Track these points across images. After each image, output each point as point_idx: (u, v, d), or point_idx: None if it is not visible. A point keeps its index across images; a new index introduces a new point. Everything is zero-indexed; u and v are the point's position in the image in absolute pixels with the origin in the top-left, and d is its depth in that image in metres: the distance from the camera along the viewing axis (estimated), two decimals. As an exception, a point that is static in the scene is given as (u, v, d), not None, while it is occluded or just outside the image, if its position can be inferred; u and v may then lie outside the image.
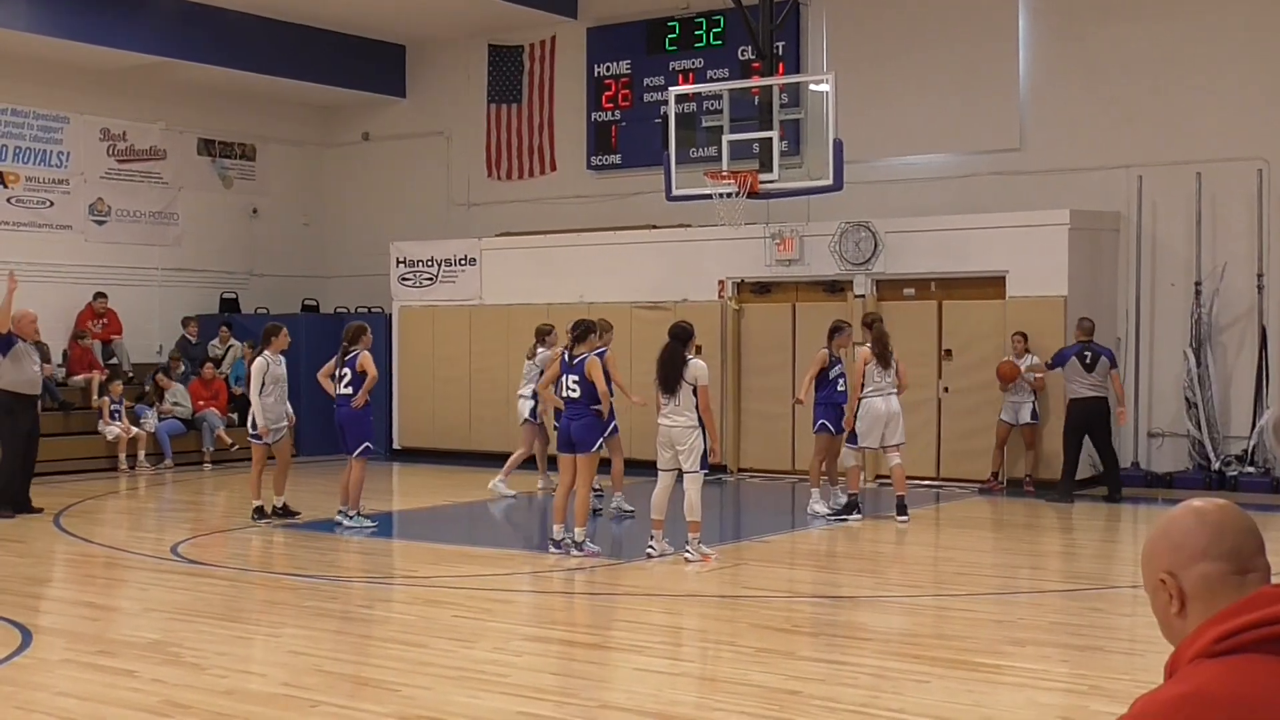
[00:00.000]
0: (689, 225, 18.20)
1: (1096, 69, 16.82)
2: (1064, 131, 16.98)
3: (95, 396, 18.97)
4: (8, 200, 19.59)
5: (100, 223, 20.69)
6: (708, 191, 16.49)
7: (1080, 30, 17.01)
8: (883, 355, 13.44)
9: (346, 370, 13.17)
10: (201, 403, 19.52)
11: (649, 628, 8.96)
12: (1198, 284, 15.93)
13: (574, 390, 11.36)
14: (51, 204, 20.11)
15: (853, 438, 13.55)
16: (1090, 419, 14.79)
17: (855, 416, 13.42)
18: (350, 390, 13.09)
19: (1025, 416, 15.54)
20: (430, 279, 20.22)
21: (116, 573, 11.46)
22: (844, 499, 13.58)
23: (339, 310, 22.03)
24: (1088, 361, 14.79)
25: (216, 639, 8.53)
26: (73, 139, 20.32)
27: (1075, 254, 15.81)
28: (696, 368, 10.97)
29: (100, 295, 20.03)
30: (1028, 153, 17.22)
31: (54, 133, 20.15)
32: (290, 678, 7.52)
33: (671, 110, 16.96)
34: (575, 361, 11.39)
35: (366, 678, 7.56)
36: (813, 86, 16.65)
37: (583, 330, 11.49)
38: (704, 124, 17.54)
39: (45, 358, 18.93)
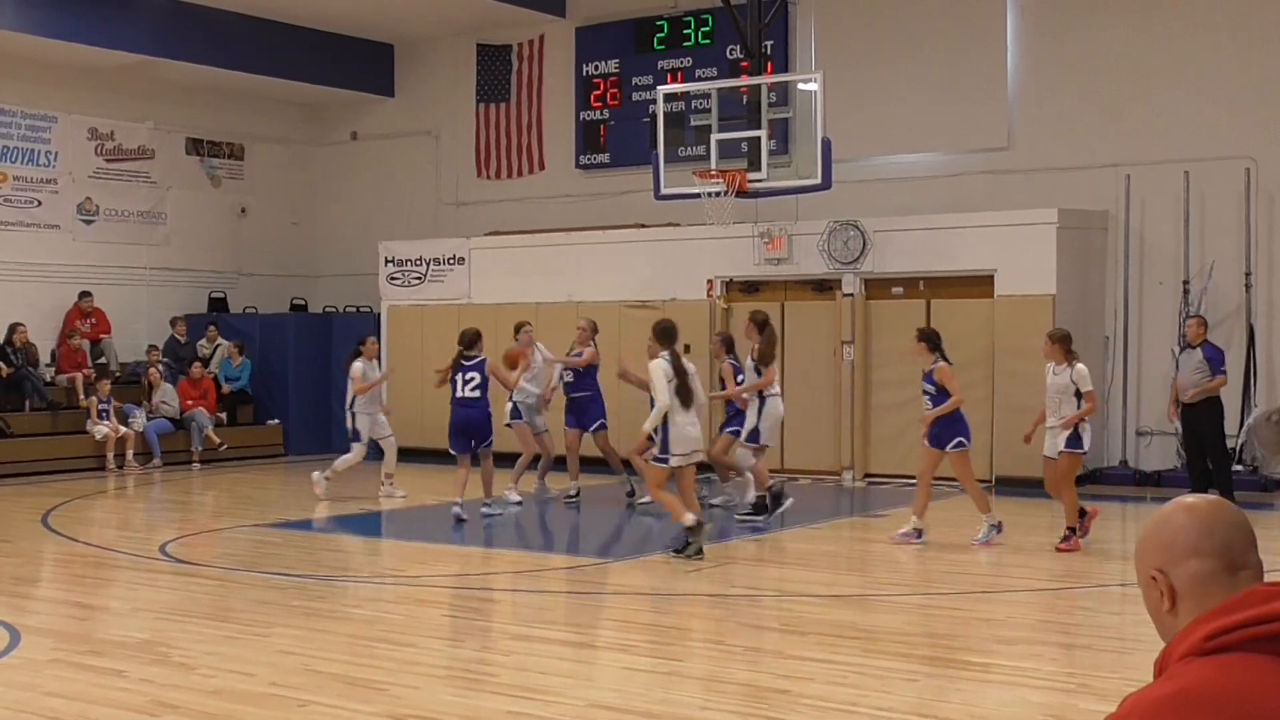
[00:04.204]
0: (678, 224, 18.19)
1: (1085, 67, 16.85)
2: (1052, 130, 16.99)
3: (83, 396, 18.91)
4: (-4, 199, 19.54)
5: (88, 222, 20.62)
6: (696, 190, 16.48)
7: (1068, 29, 17.03)
8: (771, 355, 13.33)
9: (474, 374, 13.61)
10: (190, 402, 19.46)
11: (637, 627, 8.94)
12: (1186, 282, 15.96)
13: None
14: (40, 203, 20.04)
15: (753, 436, 13.19)
16: None
17: (759, 415, 13.16)
18: (477, 394, 13.57)
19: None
20: (419, 278, 20.19)
21: (105, 572, 11.42)
22: (753, 498, 13.28)
23: (327, 310, 22.01)
24: None
25: (205, 638, 8.49)
26: (61, 138, 20.25)
27: (1063, 253, 15.82)
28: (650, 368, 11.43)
29: (86, 294, 19.96)
30: (1016, 151, 17.24)
31: (42, 132, 20.08)
32: (279, 677, 7.49)
33: (660, 109, 16.94)
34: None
35: (355, 677, 7.53)
36: (801, 85, 16.65)
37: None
38: (692, 123, 17.54)
39: (33, 359, 18.91)
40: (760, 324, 13.46)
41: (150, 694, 7.12)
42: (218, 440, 19.15)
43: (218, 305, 21.81)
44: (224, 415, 19.72)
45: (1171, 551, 2.44)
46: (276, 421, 20.61)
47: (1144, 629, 2.62)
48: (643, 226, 18.71)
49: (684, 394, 11.05)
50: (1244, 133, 15.80)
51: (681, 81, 18.79)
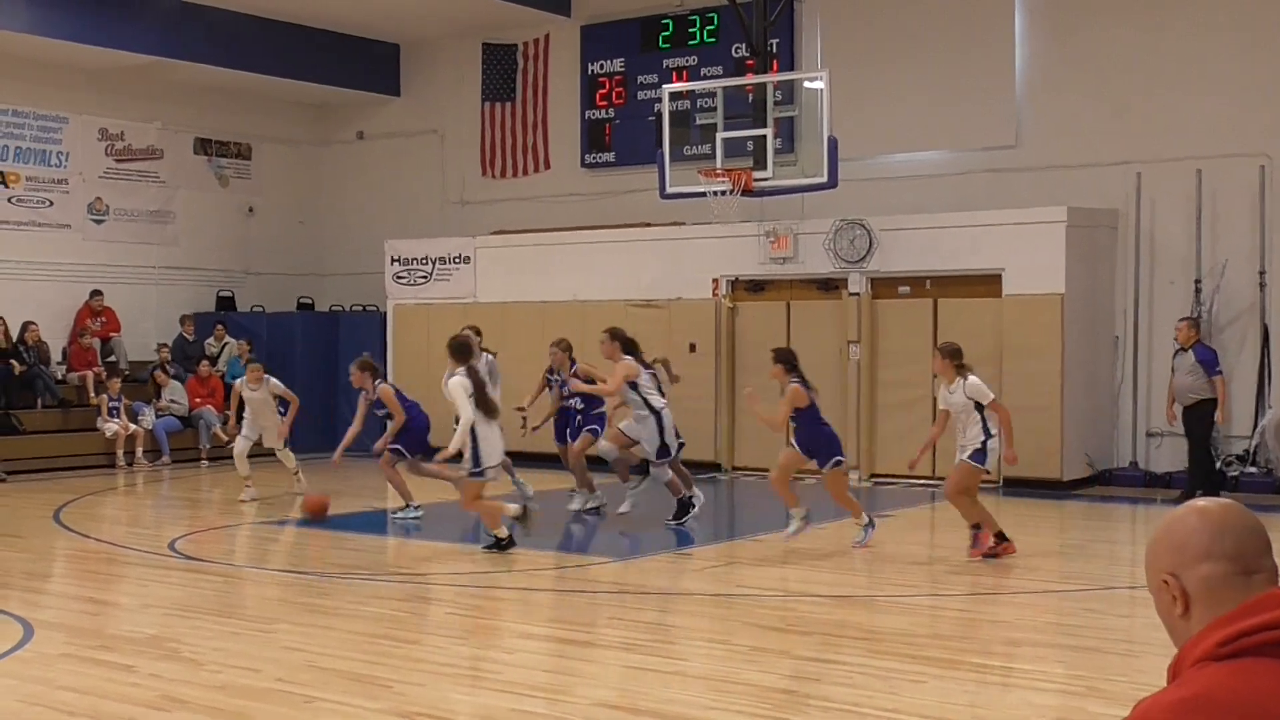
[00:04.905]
0: (683, 223, 18.16)
1: (1094, 64, 16.77)
2: (1061, 128, 16.93)
3: (93, 394, 18.93)
4: (8, 200, 19.61)
5: (99, 221, 20.65)
6: (702, 189, 16.45)
7: (1077, 25, 16.97)
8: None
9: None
10: (198, 400, 19.49)
11: (643, 626, 8.93)
12: (1198, 282, 15.87)
13: None
14: (51, 203, 20.08)
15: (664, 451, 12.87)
16: None
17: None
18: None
19: None
20: (425, 277, 20.18)
21: (115, 568, 11.43)
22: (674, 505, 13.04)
23: (334, 308, 22.01)
24: None
25: (213, 634, 8.50)
26: (72, 139, 20.29)
27: (1073, 251, 15.76)
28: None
29: (96, 293, 20.03)
30: (1024, 149, 17.17)
31: (53, 133, 20.11)
32: (285, 673, 7.49)
33: (665, 108, 16.93)
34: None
35: (360, 674, 7.52)
36: (807, 84, 16.63)
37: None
38: (698, 121, 17.51)
39: (44, 357, 18.94)
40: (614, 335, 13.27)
41: (159, 689, 7.13)
42: (225, 438, 19.14)
43: (226, 304, 21.84)
44: (231, 413, 19.69)
45: (1184, 555, 2.41)
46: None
47: (1153, 632, 2.59)
48: (648, 225, 18.69)
49: (486, 406, 11.16)
50: (1257, 130, 15.68)
51: (687, 80, 18.76)
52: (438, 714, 6.68)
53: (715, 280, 17.87)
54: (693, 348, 17.85)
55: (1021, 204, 16.31)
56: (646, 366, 13.12)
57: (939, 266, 16.44)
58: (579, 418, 13.96)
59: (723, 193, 15.98)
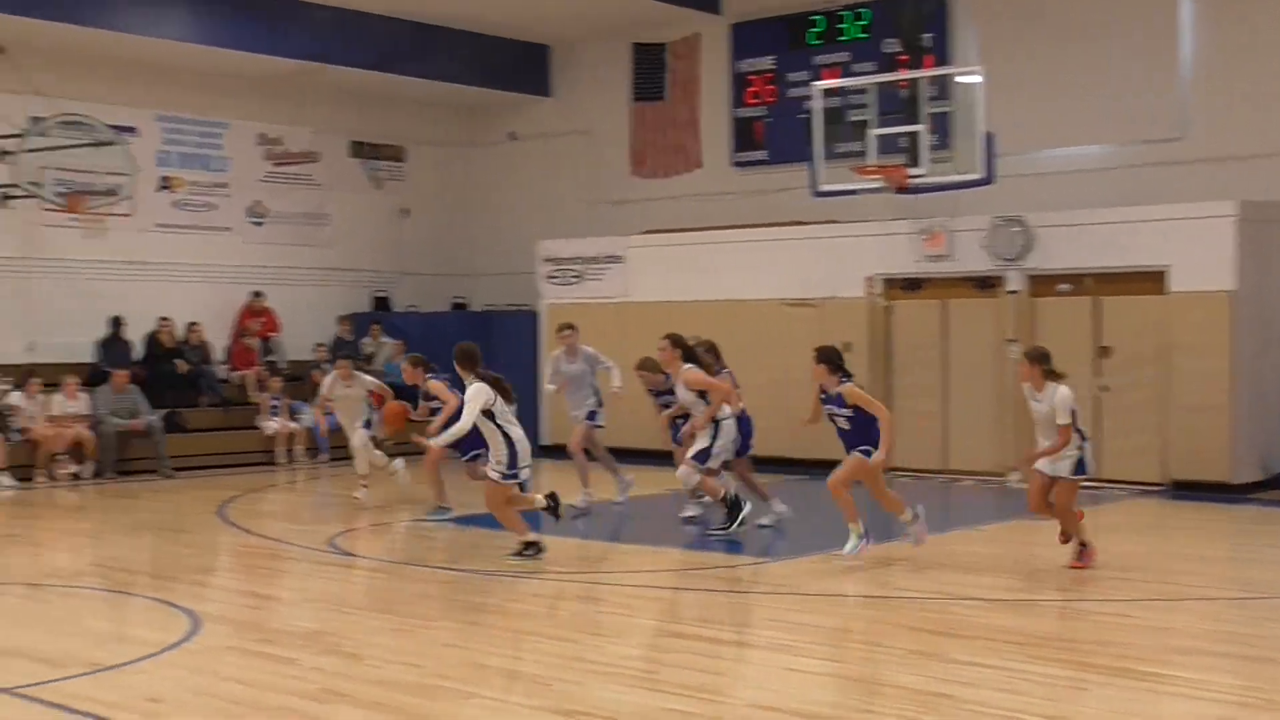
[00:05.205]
0: (836, 221, 18.05)
1: (1264, 51, 16.24)
2: (1230, 118, 16.42)
3: (255, 392, 19.49)
4: (173, 204, 20.26)
5: (258, 224, 21.25)
6: (854, 187, 16.36)
7: (1246, 9, 16.46)
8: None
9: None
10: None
11: (797, 627, 8.89)
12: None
13: None
14: (213, 207, 20.71)
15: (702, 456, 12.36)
16: None
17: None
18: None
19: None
20: (576, 277, 20.36)
21: (277, 564, 11.74)
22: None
23: (488, 308, 22.31)
24: None
25: (372, 630, 8.69)
26: (232, 144, 20.92)
27: (1244, 247, 15.25)
28: None
29: (258, 294, 20.62)
30: (1191, 141, 16.68)
31: (214, 138, 20.75)
32: (444, 669, 7.62)
33: (817, 105, 16.85)
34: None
35: (518, 671, 7.63)
36: (962, 78, 16.42)
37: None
38: (850, 119, 17.38)
39: (207, 357, 19.54)
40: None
41: (321, 682, 7.30)
42: (383, 437, 19.49)
43: (381, 304, 22.29)
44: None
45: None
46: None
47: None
48: (800, 224, 18.60)
49: (509, 398, 11.06)
50: None
51: (838, 77, 18.63)
52: (595, 713, 6.73)
53: (869, 278, 17.73)
54: (846, 347, 17.74)
55: (1188, 198, 15.86)
56: (721, 369, 12.85)
57: (1100, 263, 16.06)
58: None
59: (876, 190, 15.86)
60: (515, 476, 11.00)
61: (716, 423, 12.29)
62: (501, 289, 22.51)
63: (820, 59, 19.65)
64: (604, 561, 11.55)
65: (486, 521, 13.48)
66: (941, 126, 16.57)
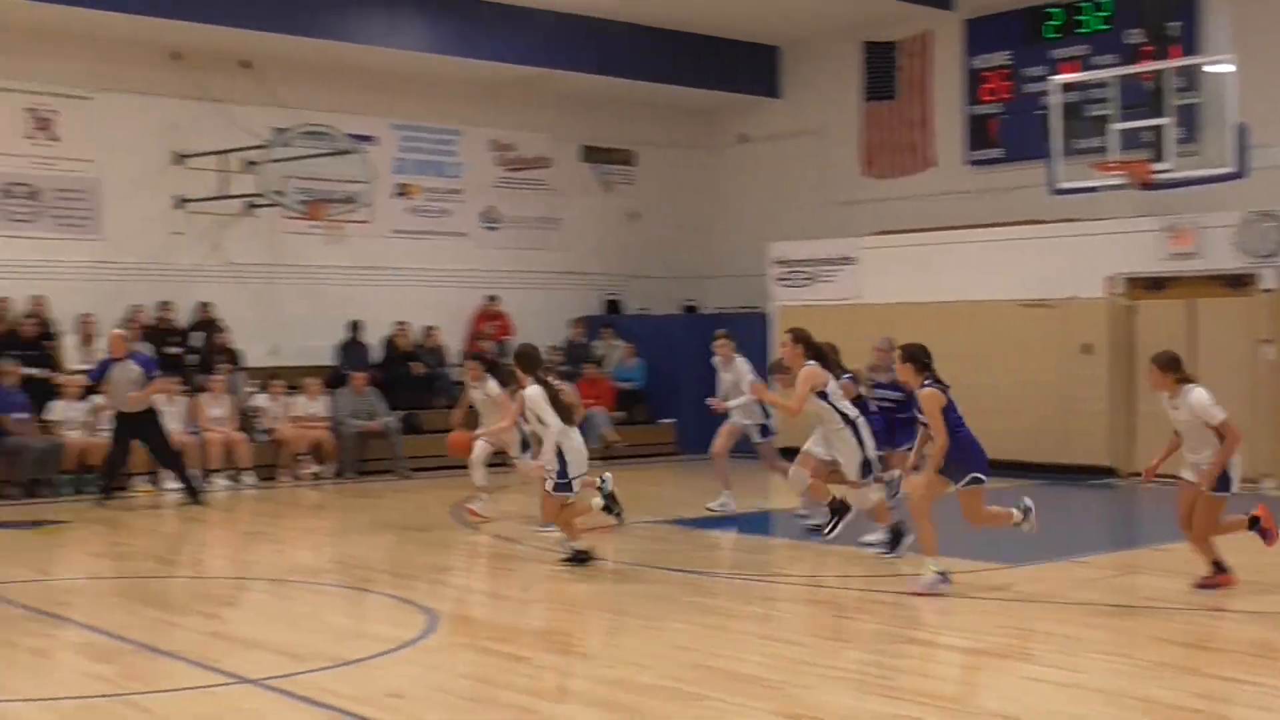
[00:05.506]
0: (1074, 219, 17.53)
1: None
2: None
3: (488, 395, 19.87)
4: (409, 210, 20.86)
5: (492, 229, 21.72)
6: (1095, 184, 15.87)
7: None
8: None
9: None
10: (589, 401, 20.13)
11: (1037, 635, 8.64)
12: None
13: None
14: (447, 212, 21.25)
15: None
16: None
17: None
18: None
19: None
20: (808, 279, 20.24)
21: (509, 563, 11.95)
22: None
23: (719, 311, 22.34)
24: None
25: (604, 630, 8.77)
26: (466, 151, 21.44)
27: None
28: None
29: (492, 298, 21.08)
30: None
31: (449, 145, 21.30)
32: (674, 671, 7.64)
33: (1055, 100, 16.40)
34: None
35: (748, 674, 7.59)
36: (1211, 68, 15.77)
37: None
38: (1090, 113, 16.86)
39: (443, 360, 19.99)
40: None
41: (553, 680, 7.41)
42: (614, 438, 19.72)
43: (612, 307, 22.53)
44: (621, 414, 20.32)
45: None
46: (670, 420, 21.07)
47: None
48: (1037, 223, 18.12)
49: (566, 413, 10.79)
50: None
51: (1077, 71, 18.09)
52: (826, 718, 6.66)
53: (1109, 278, 17.16)
54: (1086, 348, 17.24)
55: None
56: (843, 373, 12.01)
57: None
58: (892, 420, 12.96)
59: (1118, 187, 15.36)
60: (569, 487, 10.85)
61: (853, 425, 11.37)
62: (732, 291, 22.52)
63: (1058, 53, 19.13)
64: (836, 564, 11.41)
65: (718, 525, 13.51)
66: (1188, 119, 15.93)
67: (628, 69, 21.06)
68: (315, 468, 17.91)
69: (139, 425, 15.38)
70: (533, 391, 10.74)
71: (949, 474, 9.69)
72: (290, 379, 18.46)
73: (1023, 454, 16.06)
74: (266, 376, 18.48)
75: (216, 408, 17.37)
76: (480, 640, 8.52)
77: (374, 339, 19.82)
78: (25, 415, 16.07)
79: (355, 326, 19.59)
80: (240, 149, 18.64)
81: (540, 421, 10.80)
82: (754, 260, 21.37)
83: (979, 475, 9.68)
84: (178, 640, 8.53)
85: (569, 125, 22.50)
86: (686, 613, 9.38)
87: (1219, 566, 9.80)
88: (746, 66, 22.47)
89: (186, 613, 9.65)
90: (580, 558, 11.01)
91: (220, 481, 16.92)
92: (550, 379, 11.28)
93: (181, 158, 18.80)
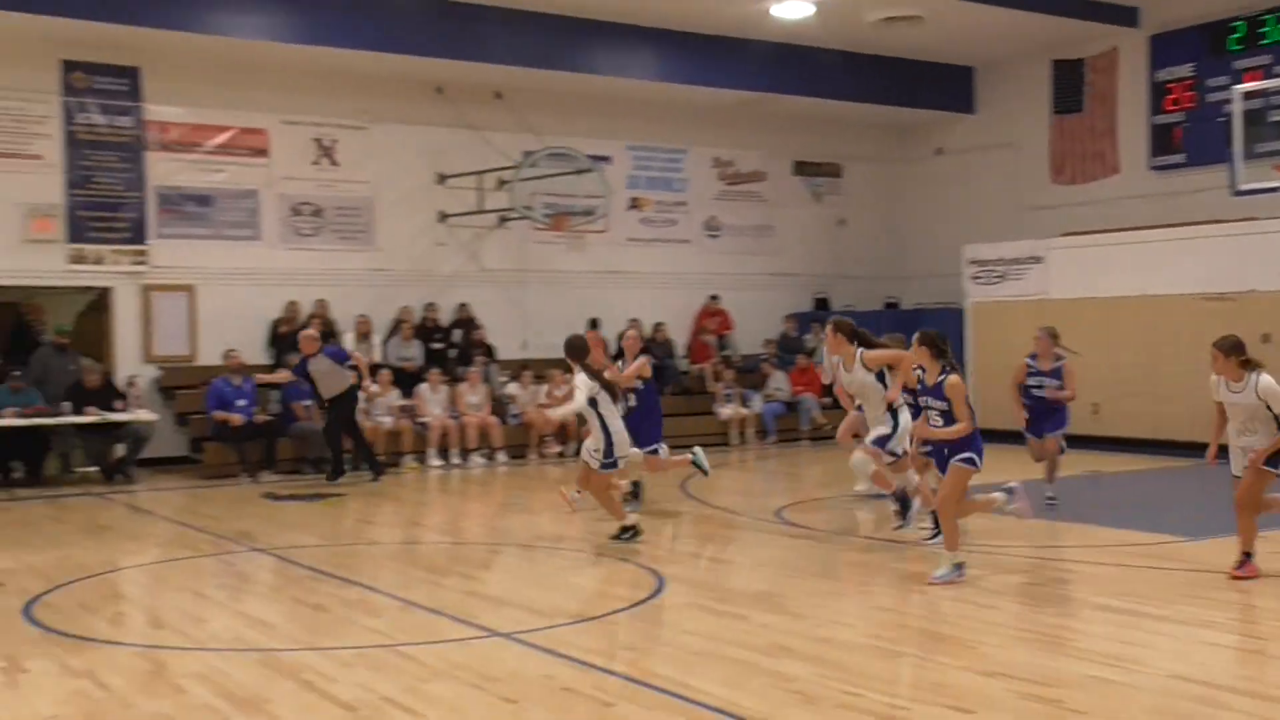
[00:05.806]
0: (1255, 218, 16.69)
1: None
2: None
3: (711, 382, 20.01)
4: (640, 221, 21.08)
5: (713, 236, 21.80)
6: (1276, 185, 15.09)
7: None
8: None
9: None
10: (799, 389, 20.12)
11: (1221, 604, 8.26)
12: None
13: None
14: (674, 222, 21.41)
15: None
16: None
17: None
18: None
19: None
20: (999, 277, 19.75)
21: (731, 532, 11.98)
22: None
23: (918, 306, 22.00)
24: None
25: (813, 593, 8.73)
26: (690, 167, 21.55)
27: None
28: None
29: (714, 297, 21.18)
30: None
31: (676, 163, 21.45)
32: (877, 630, 7.58)
33: (1237, 108, 15.64)
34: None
35: (944, 634, 7.48)
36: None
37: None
38: (1271, 119, 16.03)
39: (670, 351, 20.16)
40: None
41: (769, 638, 7.40)
42: (823, 421, 19.61)
43: (821, 304, 22.39)
44: (828, 400, 20.13)
45: None
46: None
47: None
48: (1218, 222, 17.31)
49: (615, 395, 10.48)
50: None
51: (1259, 79, 17.21)
52: (1015, 674, 6.51)
53: (1290, 272, 16.30)
54: (1266, 338, 16.41)
55: None
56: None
57: None
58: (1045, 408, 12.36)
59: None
60: (614, 465, 10.64)
61: (894, 410, 10.75)
62: (930, 289, 22.14)
63: (1241, 63, 18.24)
64: (1018, 538, 11.12)
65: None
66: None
67: (835, 91, 20.88)
68: (559, 448, 18.24)
69: (340, 407, 15.60)
70: (579, 378, 10.42)
71: (953, 451, 9.03)
72: (538, 370, 18.84)
73: (1201, 436, 15.34)
74: (517, 367, 18.91)
75: (473, 395, 17.85)
76: (704, 600, 8.56)
77: (610, 334, 20.07)
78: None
79: (594, 323, 19.88)
80: (494, 170, 19.11)
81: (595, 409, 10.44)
82: (950, 261, 20.95)
83: (973, 457, 9.00)
84: (440, 598, 8.78)
85: (782, 143, 22.42)
86: (888, 577, 9.29)
87: (1248, 555, 9.06)
88: (943, 86, 22.04)
89: (447, 574, 9.90)
90: (626, 533, 10.74)
91: (477, 459, 17.38)
92: (597, 368, 10.73)
93: (443, 178, 19.36)
